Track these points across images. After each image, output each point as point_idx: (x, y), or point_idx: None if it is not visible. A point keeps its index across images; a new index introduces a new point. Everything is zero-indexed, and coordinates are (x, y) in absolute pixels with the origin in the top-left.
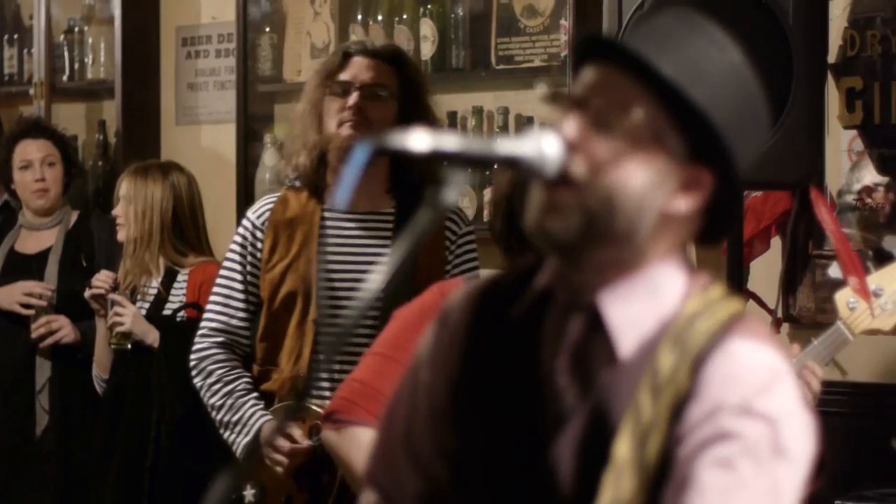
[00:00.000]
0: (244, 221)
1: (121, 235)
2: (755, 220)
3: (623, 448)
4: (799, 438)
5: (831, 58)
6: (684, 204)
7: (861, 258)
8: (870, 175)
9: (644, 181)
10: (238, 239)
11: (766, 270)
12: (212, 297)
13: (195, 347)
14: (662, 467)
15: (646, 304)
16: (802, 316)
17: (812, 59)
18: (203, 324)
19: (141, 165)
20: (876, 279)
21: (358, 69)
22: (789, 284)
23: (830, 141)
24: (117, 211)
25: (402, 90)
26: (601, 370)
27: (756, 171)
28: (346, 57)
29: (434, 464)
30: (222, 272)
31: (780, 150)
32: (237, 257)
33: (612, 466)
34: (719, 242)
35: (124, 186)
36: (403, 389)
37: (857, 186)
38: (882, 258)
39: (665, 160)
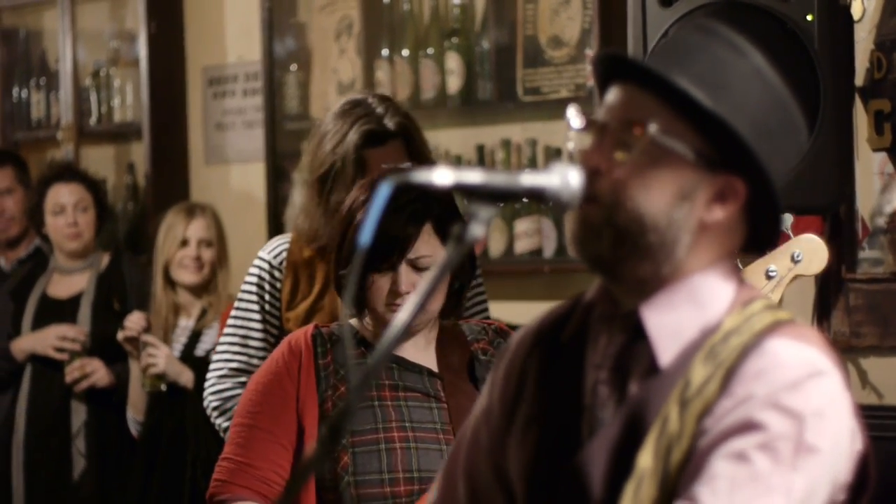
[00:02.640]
0: (258, 262)
1: (195, 279)
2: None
3: (646, 458)
4: (828, 440)
5: (859, 81)
6: (720, 213)
7: None
8: None
9: (670, 194)
10: (253, 279)
11: (799, 295)
12: (226, 338)
13: (216, 388)
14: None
15: (687, 313)
16: (837, 340)
17: (839, 83)
18: (219, 364)
19: (187, 206)
20: (743, 275)
21: (389, 160)
22: (822, 309)
23: (861, 164)
24: (191, 253)
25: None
26: (641, 378)
27: (786, 196)
28: (369, 145)
29: (492, 492)
30: (237, 312)
31: (810, 175)
32: (254, 297)
33: (634, 476)
34: (767, 247)
35: (205, 227)
36: (471, 424)
37: (888, 209)
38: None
39: (692, 172)
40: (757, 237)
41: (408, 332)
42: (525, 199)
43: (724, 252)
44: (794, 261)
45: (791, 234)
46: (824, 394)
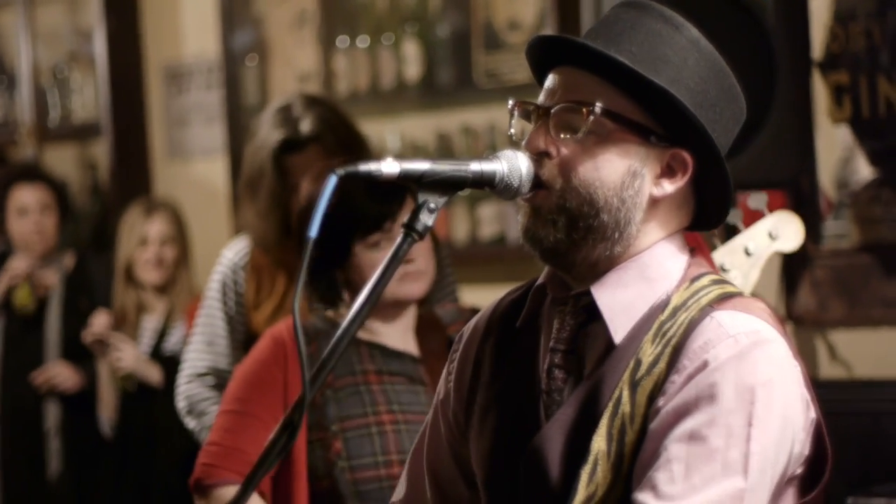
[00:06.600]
0: (221, 265)
1: (157, 277)
2: (750, 221)
3: (599, 441)
4: (779, 409)
5: (817, 54)
6: (670, 187)
7: (706, 235)
8: (863, 169)
9: (620, 172)
10: (216, 282)
11: (765, 271)
12: (194, 340)
13: (185, 392)
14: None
15: (637, 290)
16: (805, 315)
17: (795, 57)
18: (188, 366)
19: (146, 203)
20: (721, 255)
21: (309, 165)
22: (789, 284)
23: (822, 138)
24: (152, 253)
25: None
26: (595, 359)
27: (747, 171)
28: (287, 151)
29: (454, 483)
30: (203, 315)
31: (769, 149)
32: (217, 300)
33: (588, 459)
34: (719, 223)
35: (165, 225)
36: (429, 417)
37: (851, 182)
38: (729, 232)
39: (640, 147)
40: (707, 212)
41: (362, 318)
42: (474, 187)
43: (673, 227)
44: (772, 238)
45: (766, 213)
46: (771, 362)
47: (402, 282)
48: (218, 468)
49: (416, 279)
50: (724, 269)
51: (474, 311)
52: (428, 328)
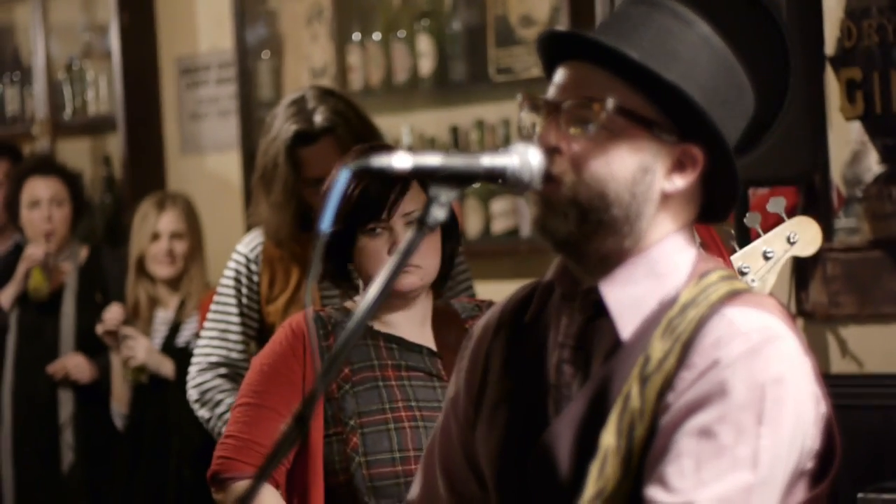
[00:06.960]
0: (236, 256)
1: (168, 272)
2: (762, 217)
3: (609, 437)
4: (790, 406)
5: (829, 50)
6: (680, 182)
7: (724, 237)
8: (874, 165)
9: (632, 168)
10: (230, 274)
11: None
12: (206, 332)
13: (196, 382)
14: (647, 454)
15: (646, 286)
16: (816, 310)
17: (808, 53)
18: (200, 358)
19: (159, 197)
20: (741, 258)
21: (322, 157)
22: (800, 280)
23: (834, 133)
24: (163, 247)
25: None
26: (604, 355)
27: (759, 167)
28: (301, 144)
29: (467, 481)
30: (216, 306)
31: (782, 145)
32: (231, 291)
33: (598, 455)
34: (725, 217)
35: (176, 219)
36: (441, 416)
37: (863, 177)
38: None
39: (651, 143)
40: (715, 206)
41: (378, 303)
42: (485, 181)
43: (683, 222)
44: (790, 242)
45: (786, 218)
46: (782, 359)
47: None
48: (235, 461)
49: (408, 272)
50: (742, 272)
51: (492, 304)
52: (445, 322)
